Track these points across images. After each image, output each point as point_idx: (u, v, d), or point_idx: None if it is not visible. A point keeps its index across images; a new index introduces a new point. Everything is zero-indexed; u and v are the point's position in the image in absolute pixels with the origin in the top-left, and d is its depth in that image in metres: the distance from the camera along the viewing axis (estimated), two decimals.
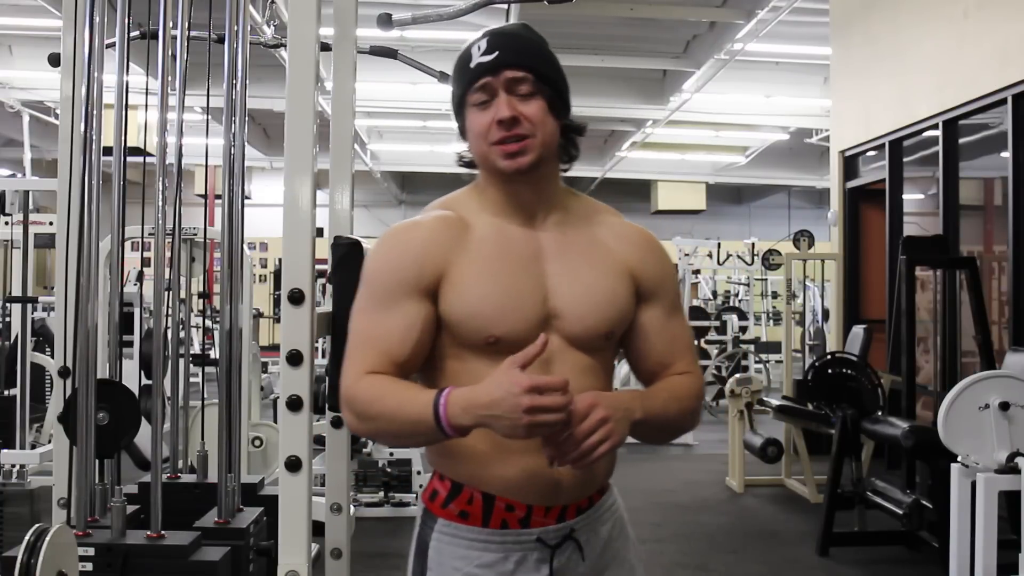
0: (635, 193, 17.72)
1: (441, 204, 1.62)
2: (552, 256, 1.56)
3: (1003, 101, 5.53)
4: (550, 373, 1.47)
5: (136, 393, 2.52)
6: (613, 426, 1.39)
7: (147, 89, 2.49)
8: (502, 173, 1.54)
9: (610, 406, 1.41)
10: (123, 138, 2.51)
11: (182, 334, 3.00)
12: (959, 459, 3.39)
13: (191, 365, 3.28)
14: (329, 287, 2.09)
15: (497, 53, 1.51)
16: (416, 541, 1.58)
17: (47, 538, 1.57)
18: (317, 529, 1.90)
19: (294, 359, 1.77)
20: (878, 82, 7.25)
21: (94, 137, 2.34)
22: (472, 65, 1.53)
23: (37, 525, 1.61)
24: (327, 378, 1.95)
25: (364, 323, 1.52)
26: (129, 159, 2.62)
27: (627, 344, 1.63)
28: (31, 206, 4.80)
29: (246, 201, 2.68)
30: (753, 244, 12.57)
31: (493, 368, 1.41)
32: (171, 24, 2.52)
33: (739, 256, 12.91)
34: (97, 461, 2.43)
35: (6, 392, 5.00)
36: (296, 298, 1.79)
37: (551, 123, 1.54)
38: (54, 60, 2.66)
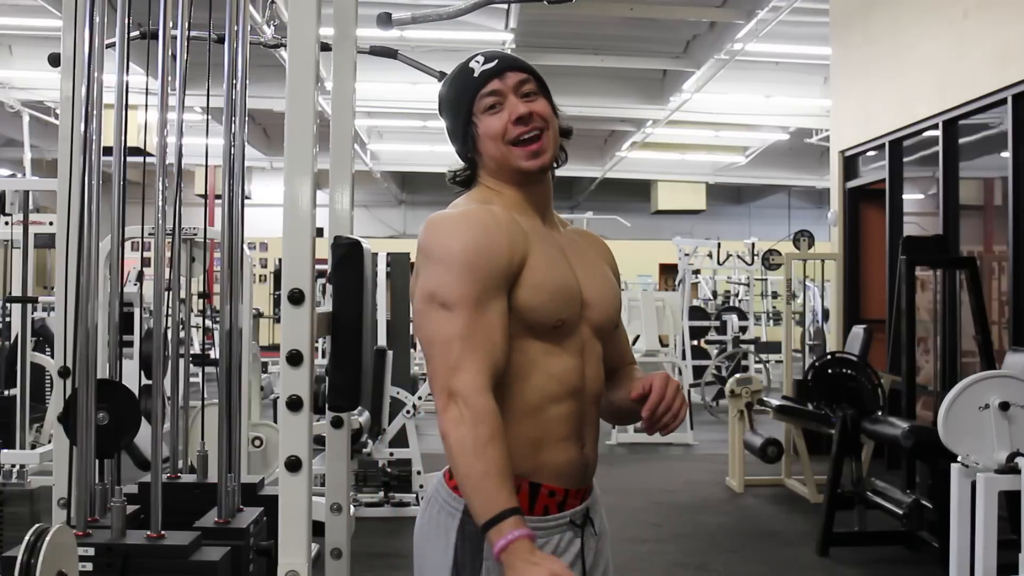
0: (635, 193, 17.74)
1: (474, 200, 1.65)
2: (570, 252, 1.67)
3: (1003, 101, 5.53)
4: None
5: (136, 393, 2.51)
6: (683, 394, 1.61)
7: (147, 89, 2.49)
8: (520, 174, 1.62)
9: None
10: (123, 138, 2.51)
11: (182, 334, 3.00)
12: (959, 459, 3.39)
13: (191, 365, 3.28)
14: (329, 287, 2.09)
15: (497, 61, 1.64)
16: (458, 533, 1.58)
17: (47, 538, 1.56)
18: (317, 529, 1.90)
19: (294, 359, 1.77)
20: (878, 82, 7.25)
21: (94, 137, 2.34)
22: (476, 74, 1.63)
23: (37, 525, 1.61)
24: (327, 378, 1.94)
25: (464, 316, 1.50)
26: (129, 159, 2.61)
27: None
28: (31, 206, 4.80)
29: (246, 201, 2.68)
30: (753, 244, 12.57)
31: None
32: (171, 24, 2.52)
33: (739, 256, 12.91)
34: (97, 461, 2.43)
35: (6, 392, 5.00)
36: (296, 298, 1.79)
37: (555, 121, 1.65)
38: (54, 60, 2.66)
